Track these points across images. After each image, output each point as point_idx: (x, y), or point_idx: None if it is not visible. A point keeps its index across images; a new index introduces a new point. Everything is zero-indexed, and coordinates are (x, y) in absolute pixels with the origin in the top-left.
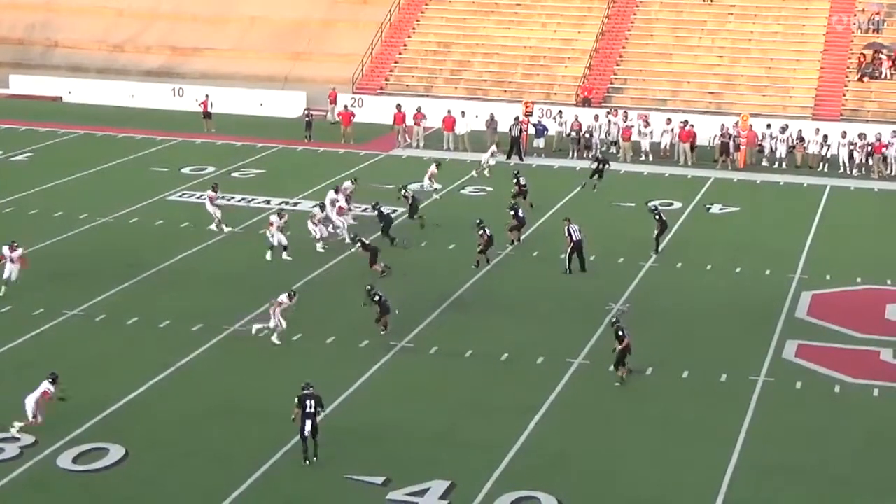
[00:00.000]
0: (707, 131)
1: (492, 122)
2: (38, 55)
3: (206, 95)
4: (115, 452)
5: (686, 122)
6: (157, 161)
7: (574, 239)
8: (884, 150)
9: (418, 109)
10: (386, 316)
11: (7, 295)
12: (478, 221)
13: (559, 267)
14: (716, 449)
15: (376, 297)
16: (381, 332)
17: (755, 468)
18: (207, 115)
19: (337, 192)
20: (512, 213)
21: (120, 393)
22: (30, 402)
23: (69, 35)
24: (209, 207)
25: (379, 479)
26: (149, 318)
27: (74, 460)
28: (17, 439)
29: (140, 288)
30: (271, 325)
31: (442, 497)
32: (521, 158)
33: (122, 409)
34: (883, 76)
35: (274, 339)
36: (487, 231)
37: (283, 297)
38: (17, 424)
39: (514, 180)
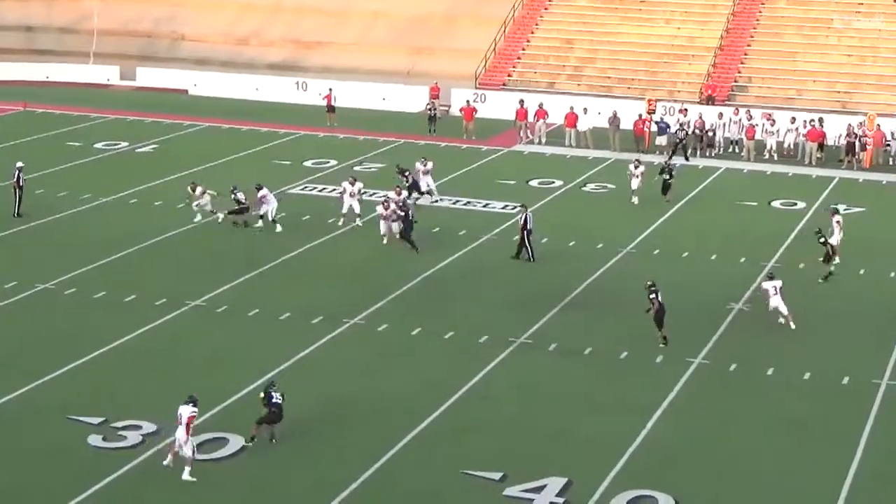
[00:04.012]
0: (833, 131)
1: (615, 119)
2: (165, 48)
3: (330, 89)
4: (235, 442)
5: (814, 120)
6: (280, 154)
7: (527, 227)
8: None
9: (540, 106)
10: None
11: (131, 284)
12: (650, 284)
13: (679, 266)
14: (836, 453)
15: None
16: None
17: (877, 475)
18: (331, 108)
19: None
20: (822, 239)
21: (240, 384)
22: (181, 436)
23: (195, 29)
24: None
25: (496, 475)
26: (269, 311)
27: (194, 449)
28: (139, 427)
29: (261, 280)
30: None
31: (559, 494)
32: (686, 159)
33: (242, 399)
34: None
35: None
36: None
37: None
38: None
39: (668, 173)
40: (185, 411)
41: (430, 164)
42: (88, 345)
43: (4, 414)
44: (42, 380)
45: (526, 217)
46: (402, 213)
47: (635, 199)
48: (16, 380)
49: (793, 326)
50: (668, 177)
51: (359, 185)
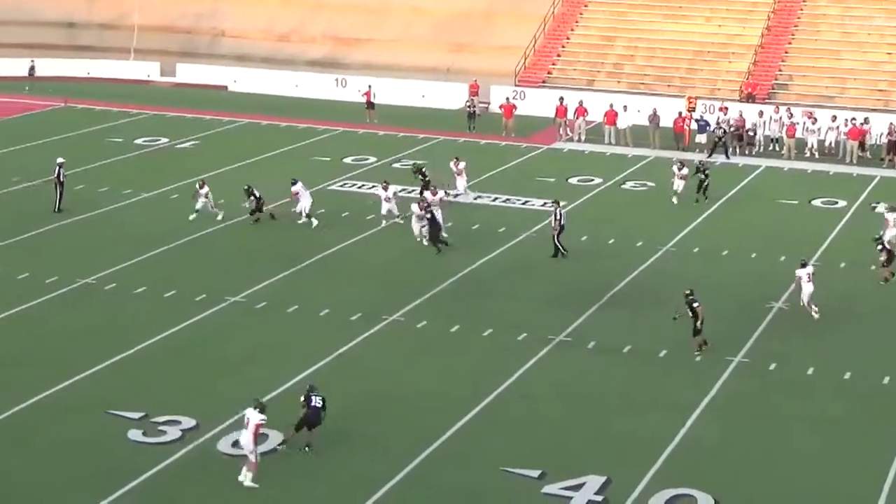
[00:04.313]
0: (875, 129)
1: (654, 117)
2: (205, 44)
3: (370, 86)
4: (275, 438)
5: (855, 118)
6: (320, 151)
7: (561, 223)
8: None
9: (580, 103)
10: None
11: (171, 280)
12: (688, 293)
13: (719, 264)
14: (876, 452)
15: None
16: None
17: None
18: (370, 105)
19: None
20: (879, 247)
21: (279, 380)
22: (246, 441)
23: (235, 25)
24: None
25: (535, 473)
26: (308, 307)
27: (234, 444)
28: (179, 422)
29: (300, 277)
30: None
31: (597, 492)
32: (727, 157)
33: (282, 395)
34: None
35: None
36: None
37: None
38: (248, 474)
39: (702, 173)
40: (254, 418)
41: (462, 164)
42: (129, 340)
43: (46, 408)
44: (82, 374)
45: (559, 213)
46: (428, 215)
47: (675, 200)
48: (57, 374)
49: (815, 316)
50: (703, 176)
51: (393, 188)
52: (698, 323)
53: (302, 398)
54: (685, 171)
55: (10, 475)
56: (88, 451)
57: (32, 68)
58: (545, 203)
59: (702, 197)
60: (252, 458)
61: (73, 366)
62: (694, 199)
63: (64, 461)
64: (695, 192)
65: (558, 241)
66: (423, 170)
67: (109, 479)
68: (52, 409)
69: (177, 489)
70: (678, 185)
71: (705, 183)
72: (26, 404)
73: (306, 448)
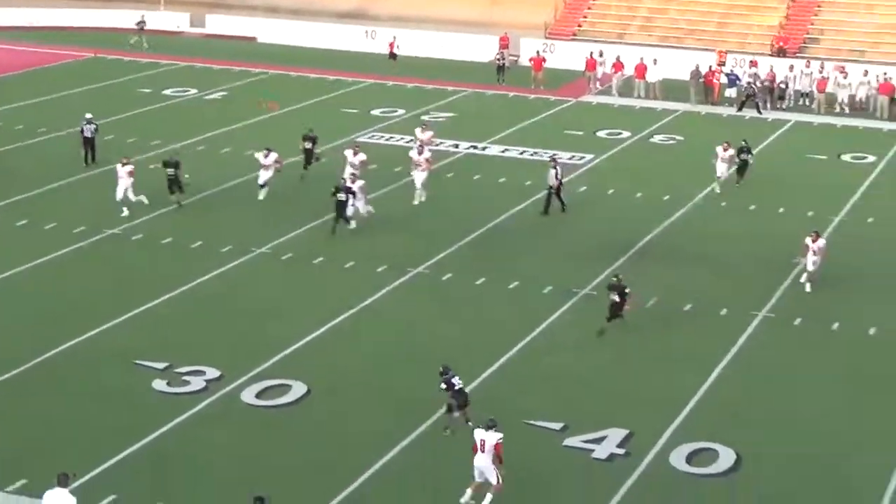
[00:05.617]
0: None
1: (696, 72)
2: None
3: (394, 37)
4: (298, 389)
5: (887, 74)
6: (348, 103)
7: (560, 181)
8: None
9: (617, 58)
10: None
11: (197, 231)
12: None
13: (746, 218)
14: None
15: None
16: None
17: None
18: (393, 56)
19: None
20: None
21: (304, 331)
22: (486, 464)
23: None
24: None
25: (557, 426)
26: (334, 259)
27: (258, 395)
28: (203, 372)
29: (326, 228)
30: None
31: (619, 445)
32: (759, 112)
33: (306, 347)
34: None
35: None
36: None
37: None
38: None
39: (747, 154)
40: (490, 438)
41: (429, 133)
42: (154, 290)
43: (76, 355)
44: (110, 324)
45: (558, 170)
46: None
47: (718, 188)
48: (86, 323)
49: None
50: (748, 157)
51: (361, 156)
52: (619, 310)
53: (442, 385)
54: (731, 151)
55: (40, 419)
56: (115, 400)
57: (142, 22)
58: (573, 156)
59: (740, 179)
60: (494, 480)
61: (102, 315)
62: (735, 182)
63: (91, 409)
64: (736, 175)
65: (559, 196)
66: (312, 134)
67: (134, 428)
68: (82, 357)
69: (200, 439)
70: (721, 169)
71: (748, 163)
72: (57, 350)
73: (467, 423)
